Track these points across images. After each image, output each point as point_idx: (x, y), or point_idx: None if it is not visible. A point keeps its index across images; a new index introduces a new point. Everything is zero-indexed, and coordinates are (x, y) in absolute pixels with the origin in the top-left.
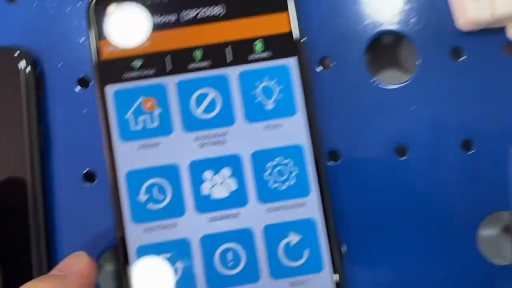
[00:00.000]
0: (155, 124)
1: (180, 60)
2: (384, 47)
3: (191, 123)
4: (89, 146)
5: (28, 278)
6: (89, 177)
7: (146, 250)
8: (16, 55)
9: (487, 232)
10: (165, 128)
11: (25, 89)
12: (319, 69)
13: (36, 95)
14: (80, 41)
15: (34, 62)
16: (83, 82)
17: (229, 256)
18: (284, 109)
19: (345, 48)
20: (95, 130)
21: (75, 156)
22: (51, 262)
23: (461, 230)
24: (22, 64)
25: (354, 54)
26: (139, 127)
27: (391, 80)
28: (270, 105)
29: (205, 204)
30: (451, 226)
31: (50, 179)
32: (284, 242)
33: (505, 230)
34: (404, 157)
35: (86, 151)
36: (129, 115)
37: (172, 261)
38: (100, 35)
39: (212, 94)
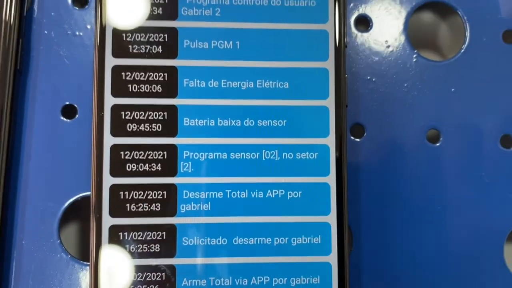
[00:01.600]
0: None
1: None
2: (425, 25)
3: None
4: (73, 73)
5: None
6: (69, 111)
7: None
8: None
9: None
10: None
11: None
12: (354, 31)
13: (20, 7)
14: None
15: None
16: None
17: None
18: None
19: (386, 10)
20: (83, 55)
21: (53, 84)
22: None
23: (488, 237)
24: None
25: (397, 19)
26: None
27: (436, 56)
28: None
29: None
30: (477, 230)
31: (20, 112)
32: None
33: None
34: (437, 144)
35: (68, 80)
36: None
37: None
38: None
39: None
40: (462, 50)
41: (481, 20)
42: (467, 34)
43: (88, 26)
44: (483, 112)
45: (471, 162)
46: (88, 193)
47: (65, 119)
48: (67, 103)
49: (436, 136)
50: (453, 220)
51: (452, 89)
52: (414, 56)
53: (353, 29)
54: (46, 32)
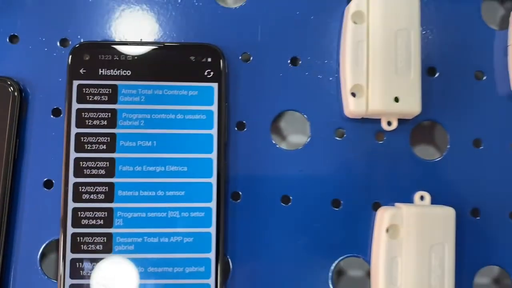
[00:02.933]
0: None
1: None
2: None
3: None
4: (51, 160)
5: None
6: (48, 184)
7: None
8: (9, 82)
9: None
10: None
11: (11, 110)
12: (234, 130)
13: (19, 116)
14: (60, 80)
15: (21, 91)
16: (57, 112)
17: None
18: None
19: (258, 117)
20: (58, 148)
21: (38, 167)
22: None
23: (314, 267)
24: (11, 89)
25: (264, 123)
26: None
27: (290, 147)
28: None
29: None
30: (305, 269)
31: (17, 184)
32: None
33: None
34: (288, 205)
35: (48, 164)
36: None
37: None
38: (75, 75)
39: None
40: (307, 142)
41: (320, 121)
42: (309, 131)
43: (60, 130)
44: (320, 183)
45: (311, 217)
46: (58, 237)
47: (45, 189)
48: (46, 178)
49: (287, 200)
50: (298, 255)
51: (300, 170)
52: (276, 146)
53: (234, 130)
54: (33, 132)
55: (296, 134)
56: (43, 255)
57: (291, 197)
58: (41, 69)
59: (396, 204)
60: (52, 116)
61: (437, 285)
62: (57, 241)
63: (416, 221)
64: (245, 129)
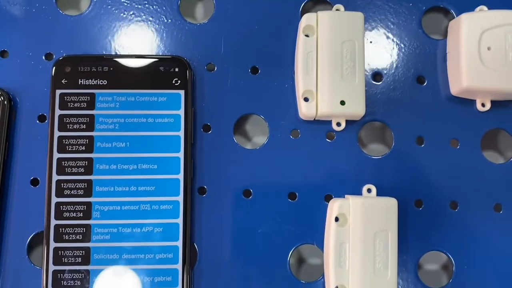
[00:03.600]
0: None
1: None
2: (258, 122)
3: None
4: (37, 160)
5: None
6: (34, 182)
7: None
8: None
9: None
10: None
11: (1, 116)
12: (201, 133)
13: (8, 121)
14: (44, 89)
15: (11, 100)
16: (42, 118)
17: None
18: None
19: (221, 120)
20: (43, 150)
21: (26, 166)
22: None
23: (273, 253)
24: (1, 99)
25: (227, 125)
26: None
27: (255, 147)
28: None
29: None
30: (265, 255)
31: (6, 182)
32: None
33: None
34: (249, 198)
35: (34, 164)
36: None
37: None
38: (58, 85)
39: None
40: (265, 142)
41: (277, 123)
42: (268, 131)
43: (44, 134)
44: (278, 178)
45: (270, 209)
46: (43, 229)
47: (32, 186)
48: (32, 177)
49: (248, 193)
50: (258, 243)
51: (260, 167)
52: (238, 145)
53: (201, 132)
54: (21, 136)
55: (260, 136)
56: (30, 245)
57: (251, 191)
58: (28, 80)
59: (346, 196)
60: (38, 122)
61: (382, 268)
62: (42, 232)
63: (361, 211)
64: (210, 131)
